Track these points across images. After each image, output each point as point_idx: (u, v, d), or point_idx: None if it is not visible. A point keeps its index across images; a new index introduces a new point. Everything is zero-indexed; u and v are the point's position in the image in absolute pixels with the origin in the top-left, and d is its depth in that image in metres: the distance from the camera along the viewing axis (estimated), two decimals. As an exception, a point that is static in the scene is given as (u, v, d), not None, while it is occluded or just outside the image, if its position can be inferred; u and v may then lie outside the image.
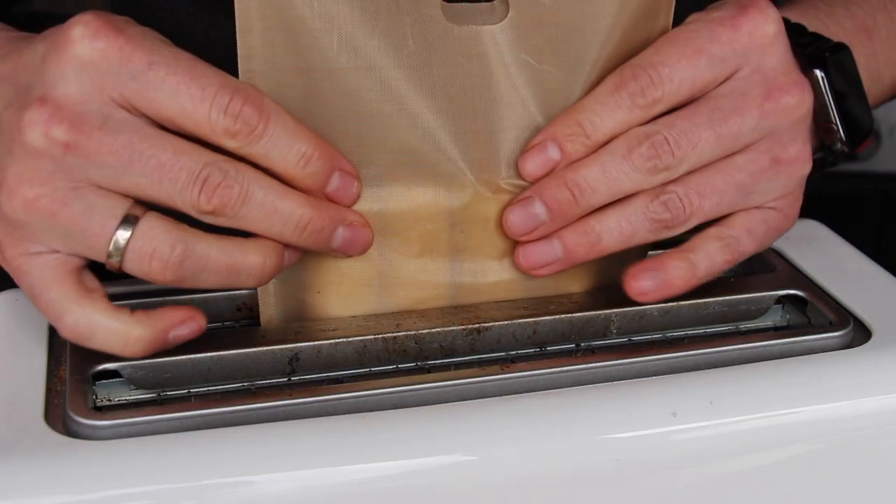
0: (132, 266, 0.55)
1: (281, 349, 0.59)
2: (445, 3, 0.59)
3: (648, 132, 0.60)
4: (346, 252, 0.59)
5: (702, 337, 0.64)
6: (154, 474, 0.52)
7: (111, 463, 0.52)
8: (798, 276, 0.67)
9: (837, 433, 0.58)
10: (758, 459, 0.58)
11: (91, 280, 0.57)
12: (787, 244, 0.71)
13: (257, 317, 0.63)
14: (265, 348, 0.59)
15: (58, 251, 0.56)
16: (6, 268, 0.58)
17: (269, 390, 0.59)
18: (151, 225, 0.55)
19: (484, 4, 0.60)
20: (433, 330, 0.61)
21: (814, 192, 0.73)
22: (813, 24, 0.73)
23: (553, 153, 0.60)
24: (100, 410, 0.57)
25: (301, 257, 0.59)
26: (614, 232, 0.61)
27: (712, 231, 0.63)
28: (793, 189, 0.64)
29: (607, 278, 0.66)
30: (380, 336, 0.61)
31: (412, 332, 0.61)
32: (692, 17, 0.63)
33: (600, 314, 0.63)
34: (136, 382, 0.58)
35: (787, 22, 0.73)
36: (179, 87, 0.54)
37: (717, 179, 0.61)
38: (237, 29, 0.57)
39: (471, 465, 0.55)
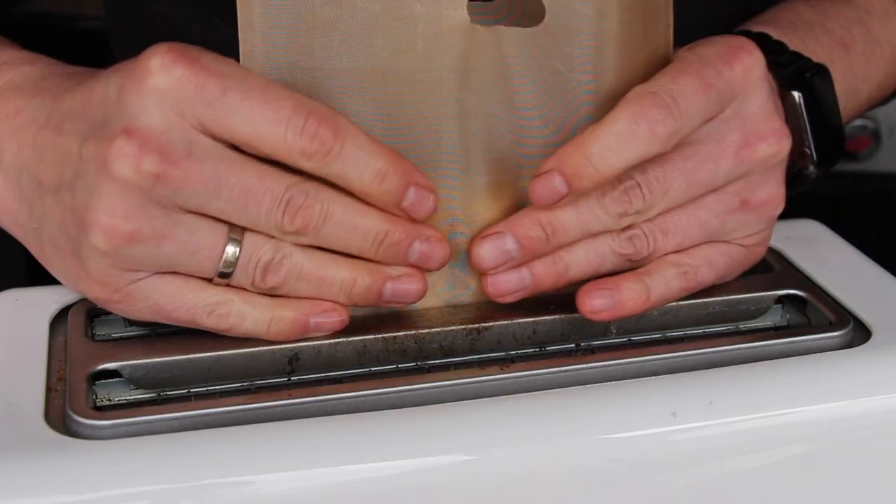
0: (240, 279, 0.57)
1: (280, 349, 0.59)
2: (472, 4, 0.58)
3: (623, 177, 0.59)
4: (423, 266, 0.59)
5: (701, 337, 0.64)
6: (154, 474, 0.52)
7: (111, 463, 0.52)
8: (798, 276, 0.67)
9: (837, 433, 0.58)
10: (758, 459, 0.58)
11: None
12: (787, 244, 0.70)
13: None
14: (265, 348, 0.59)
15: (164, 273, 0.57)
16: (107, 301, 0.58)
17: (269, 390, 0.59)
18: (254, 239, 0.56)
19: (507, 4, 0.60)
20: (433, 330, 0.61)
21: (814, 192, 0.73)
22: (792, 41, 0.73)
23: (560, 187, 0.59)
24: (100, 410, 0.57)
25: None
26: (582, 263, 0.61)
27: (671, 258, 0.62)
28: (762, 229, 0.64)
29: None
30: (379, 336, 0.61)
31: (412, 332, 0.61)
32: (685, 52, 0.61)
33: (600, 314, 0.63)
34: (136, 382, 0.58)
35: (768, 39, 0.72)
36: (254, 111, 0.54)
37: (682, 219, 0.61)
38: (239, 26, 0.57)
39: (470, 465, 0.55)
